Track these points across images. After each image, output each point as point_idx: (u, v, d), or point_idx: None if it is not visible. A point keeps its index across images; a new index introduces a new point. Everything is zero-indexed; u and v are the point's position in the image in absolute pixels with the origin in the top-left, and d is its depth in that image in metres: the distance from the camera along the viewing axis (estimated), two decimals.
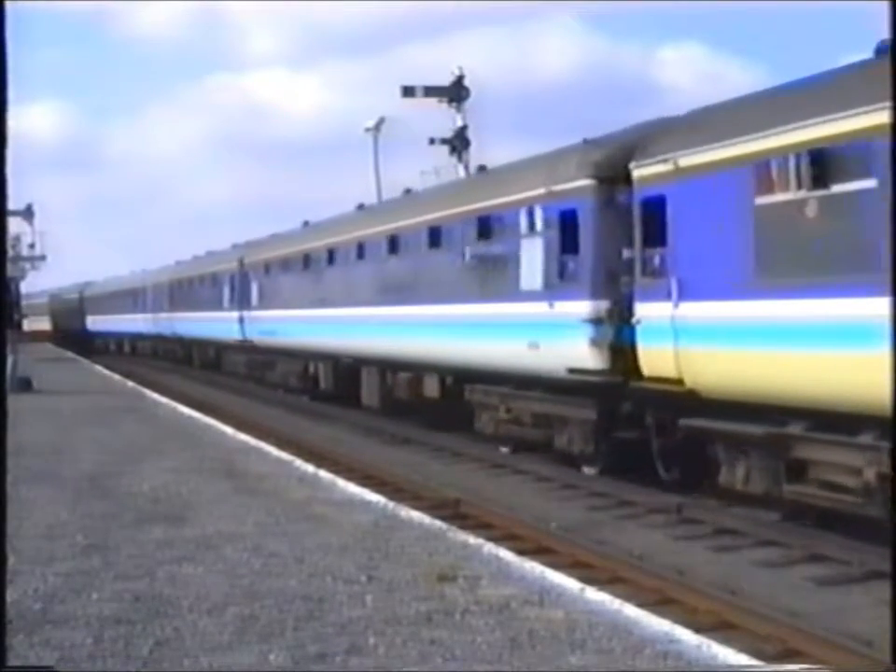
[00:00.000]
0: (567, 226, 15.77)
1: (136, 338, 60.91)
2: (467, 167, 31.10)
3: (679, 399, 13.38)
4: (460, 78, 31.65)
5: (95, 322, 71.22)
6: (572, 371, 15.48)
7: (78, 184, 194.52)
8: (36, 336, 70.28)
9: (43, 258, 41.24)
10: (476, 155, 31.13)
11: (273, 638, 7.75)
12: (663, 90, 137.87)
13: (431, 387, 21.37)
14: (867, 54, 11.07)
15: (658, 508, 13.87)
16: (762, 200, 11.76)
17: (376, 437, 22.71)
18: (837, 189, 10.70)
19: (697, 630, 8.19)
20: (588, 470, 16.28)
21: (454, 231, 20.03)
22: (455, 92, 31.63)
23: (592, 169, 15.34)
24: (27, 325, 53.61)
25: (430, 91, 31.97)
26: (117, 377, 41.23)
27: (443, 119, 32.16)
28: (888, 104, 8.61)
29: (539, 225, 16.68)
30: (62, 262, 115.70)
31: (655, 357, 13.74)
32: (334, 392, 28.00)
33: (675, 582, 10.28)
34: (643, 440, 14.59)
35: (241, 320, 36.17)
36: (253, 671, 7.20)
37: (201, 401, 30.22)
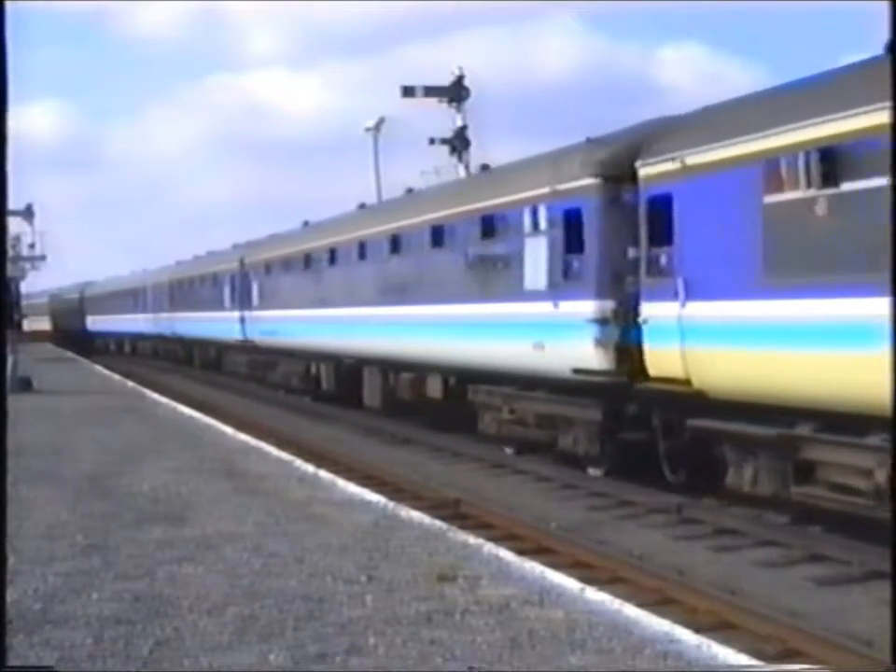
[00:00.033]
0: (572, 225, 15.67)
1: (137, 338, 60.90)
2: (467, 167, 31.08)
3: (686, 400, 13.28)
4: (460, 78, 31.64)
5: (95, 322, 71.23)
6: (577, 371, 15.38)
7: (78, 184, 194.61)
8: (36, 336, 70.30)
9: (43, 258, 41.25)
10: (476, 155, 31.15)
11: (273, 638, 7.75)
12: (662, 90, 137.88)
13: (434, 388, 21.27)
14: (867, 54, 11.05)
15: (658, 508, 13.87)
16: (770, 198, 11.65)
17: (376, 437, 22.71)
18: (848, 187, 10.58)
19: (697, 630, 8.18)
20: (593, 472, 16.16)
21: (457, 230, 19.94)
22: (455, 92, 31.62)
23: (597, 168, 15.22)
24: (27, 325, 53.65)
25: (430, 91, 31.95)
26: (117, 377, 41.23)
27: (443, 118, 32.17)
28: None
29: (543, 224, 16.58)
30: (62, 262, 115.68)
31: (662, 358, 13.65)
32: (336, 393, 27.92)
33: (675, 582, 10.28)
34: (649, 441, 14.49)
35: (242, 320, 36.14)
36: (253, 671, 7.20)
37: (201, 401, 30.21)
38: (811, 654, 8.18)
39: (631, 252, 14.55)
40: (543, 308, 16.27)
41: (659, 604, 9.37)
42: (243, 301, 36.24)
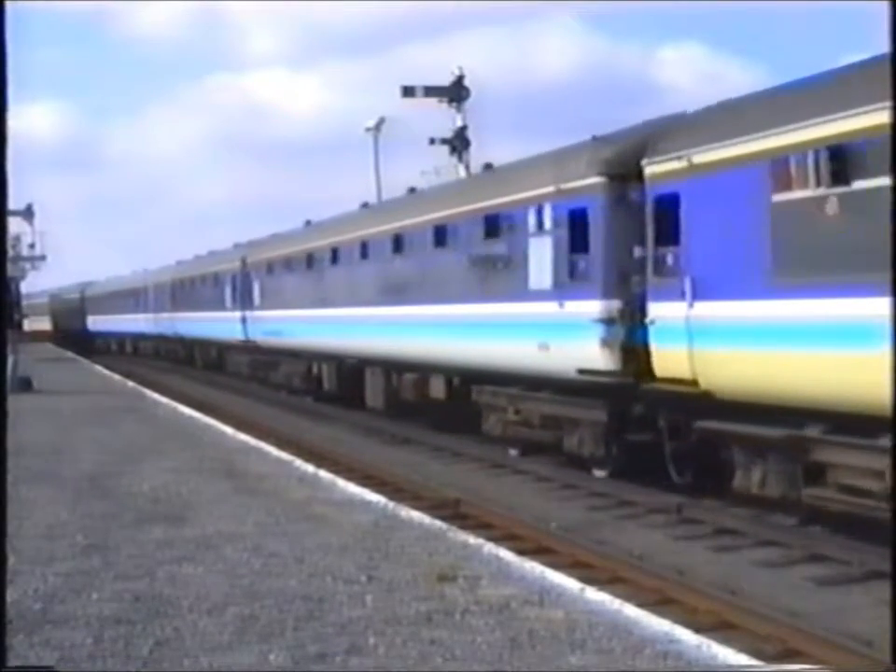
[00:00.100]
0: (577, 224, 15.57)
1: (138, 338, 60.89)
2: (467, 167, 31.10)
3: (693, 401, 13.18)
4: (460, 78, 31.65)
5: (96, 322, 71.23)
6: (583, 371, 15.30)
7: (78, 184, 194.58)
8: (37, 336, 70.31)
9: (43, 258, 41.28)
10: (476, 155, 31.16)
11: (273, 638, 7.75)
12: (662, 89, 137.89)
13: (437, 388, 21.18)
14: (867, 54, 11.02)
15: (658, 508, 13.87)
16: (779, 197, 11.56)
17: (376, 437, 22.71)
18: (859, 185, 10.47)
19: (697, 630, 8.18)
20: (598, 473, 16.05)
21: (460, 229, 19.86)
22: (455, 92, 31.63)
23: (602, 166, 15.12)
24: (27, 325, 53.66)
25: (430, 91, 31.96)
26: (117, 377, 41.23)
27: (443, 118, 32.18)
28: None
29: (548, 223, 16.48)
30: (62, 262, 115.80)
31: (669, 358, 13.56)
32: (338, 393, 27.84)
33: (675, 582, 10.28)
34: (655, 442, 14.39)
35: (243, 320, 36.10)
36: (253, 671, 7.20)
37: (201, 401, 30.22)
38: (811, 654, 8.18)
39: (637, 251, 14.46)
40: (548, 308, 16.18)
41: (659, 604, 9.37)
42: (244, 300, 36.20)
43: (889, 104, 9.67)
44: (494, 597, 8.82)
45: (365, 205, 30.19)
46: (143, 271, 60.68)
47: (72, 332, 76.26)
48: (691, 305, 13.02)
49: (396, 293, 22.83)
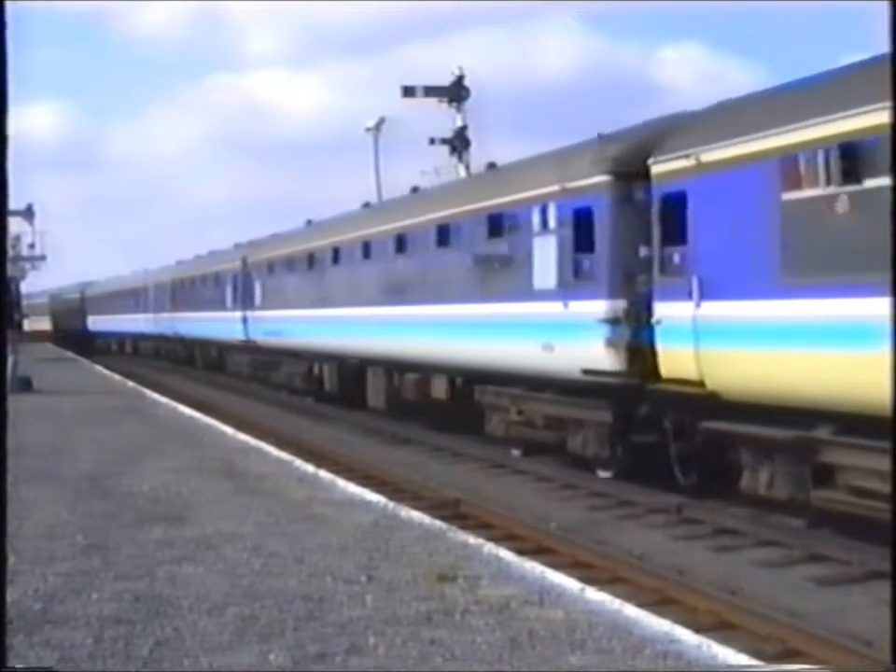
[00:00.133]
0: (582, 223, 15.46)
1: (138, 338, 60.88)
2: (467, 167, 31.12)
3: (700, 402, 13.08)
4: (460, 78, 31.67)
5: (96, 322, 71.22)
6: (587, 372, 15.19)
7: (78, 184, 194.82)
8: (37, 336, 70.33)
9: (43, 258, 41.30)
10: (476, 155, 31.18)
11: (273, 638, 7.75)
12: (662, 89, 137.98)
13: (439, 389, 21.08)
14: (867, 54, 11.00)
15: (658, 508, 13.86)
16: (789, 195, 11.44)
17: (376, 437, 22.70)
18: (870, 183, 10.32)
19: (697, 630, 8.18)
20: (603, 474, 15.95)
21: (463, 229, 19.76)
22: (455, 92, 31.65)
23: (608, 165, 15.02)
24: (27, 325, 53.66)
25: (430, 91, 31.98)
26: (117, 377, 41.22)
27: (443, 118, 32.21)
28: None
29: (552, 223, 16.36)
30: (62, 262, 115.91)
31: (675, 359, 13.46)
32: (339, 393, 27.76)
33: (675, 582, 10.28)
34: (660, 443, 14.28)
35: (244, 320, 36.07)
36: (253, 671, 7.20)
37: (201, 401, 30.21)
38: (811, 654, 8.18)
39: (643, 251, 14.37)
40: (553, 308, 16.07)
41: (659, 604, 9.37)
42: (245, 300, 36.17)
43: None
44: (494, 597, 8.82)
45: (367, 205, 30.16)
46: (143, 271, 60.70)
47: (72, 332, 76.26)
48: (698, 305, 12.91)
49: (398, 293, 22.73)
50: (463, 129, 31.89)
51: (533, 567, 10.07)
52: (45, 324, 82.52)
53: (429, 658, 7.37)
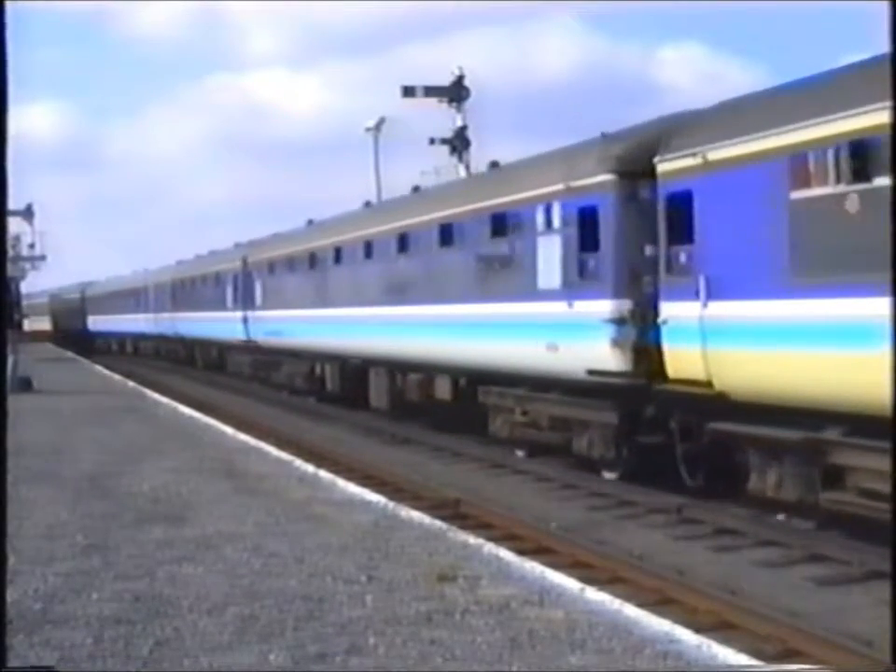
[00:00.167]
0: (587, 222, 15.33)
1: (138, 338, 60.88)
2: (467, 167, 31.12)
3: (707, 402, 12.93)
4: (460, 78, 31.68)
5: (96, 322, 71.22)
6: (592, 372, 15.07)
7: (78, 184, 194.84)
8: (37, 336, 70.34)
9: (43, 258, 41.33)
10: (476, 155, 31.18)
11: (273, 638, 7.75)
12: (662, 89, 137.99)
13: (443, 389, 20.95)
14: (867, 54, 10.95)
15: (658, 508, 13.86)
16: (797, 194, 11.31)
17: (377, 437, 22.70)
18: (881, 182, 10.14)
19: (697, 630, 8.18)
20: (609, 476, 15.83)
21: (466, 228, 19.63)
22: (455, 92, 31.66)
23: (613, 163, 14.88)
24: (27, 325, 53.67)
25: (430, 91, 31.99)
26: (117, 377, 41.23)
27: (443, 118, 32.22)
28: None
29: (556, 222, 16.21)
30: (62, 262, 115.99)
31: (682, 359, 13.34)
32: (341, 394, 27.64)
33: (675, 582, 10.28)
34: (666, 444, 14.15)
35: (245, 320, 36.03)
36: (253, 671, 7.20)
37: (201, 401, 30.21)
38: (811, 654, 8.18)
39: (648, 250, 14.25)
40: (557, 308, 15.94)
41: (659, 604, 9.37)
42: (246, 300, 36.12)
43: None
44: (494, 597, 8.81)
45: (368, 204, 30.11)
46: (143, 270, 60.68)
47: (72, 332, 76.26)
48: (705, 305, 12.78)
49: (400, 293, 22.62)
50: (463, 129, 31.90)
51: (533, 567, 10.07)
52: (45, 324, 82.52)
53: (429, 658, 7.37)
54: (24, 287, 45.43)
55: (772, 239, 11.73)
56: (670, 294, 13.68)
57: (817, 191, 11.10)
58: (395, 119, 38.49)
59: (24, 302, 47.99)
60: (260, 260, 35.09)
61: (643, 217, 14.30)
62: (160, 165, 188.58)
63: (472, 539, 11.32)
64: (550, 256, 16.35)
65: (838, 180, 10.77)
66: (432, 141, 32.19)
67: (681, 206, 13.34)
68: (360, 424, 24.46)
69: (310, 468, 16.71)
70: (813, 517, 12.04)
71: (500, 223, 18.15)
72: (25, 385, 32.03)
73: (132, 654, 7.48)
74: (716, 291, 12.67)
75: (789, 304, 11.54)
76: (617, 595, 9.16)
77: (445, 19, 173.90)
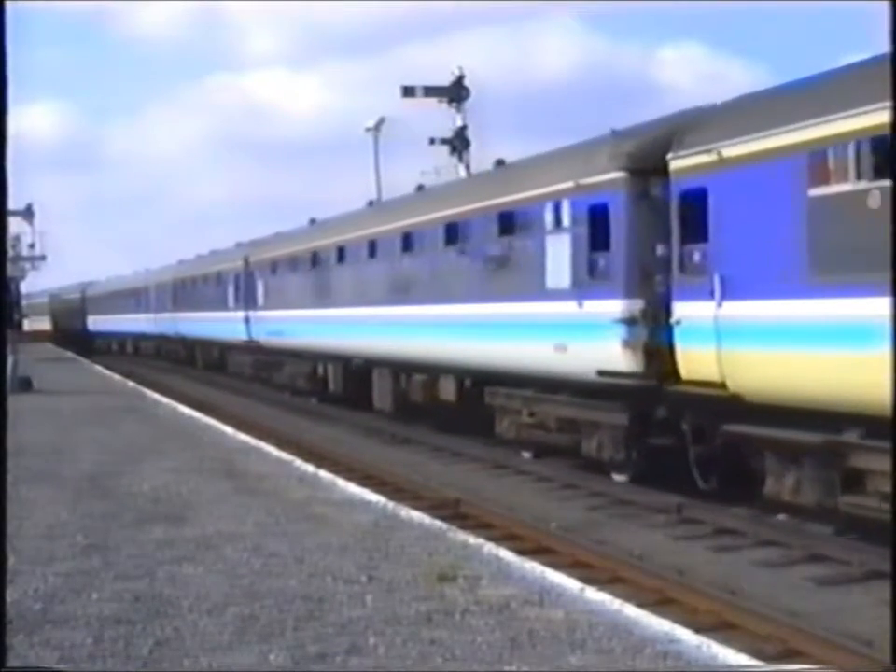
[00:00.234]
0: (598, 221, 15.04)
1: (139, 338, 60.86)
2: (467, 167, 31.13)
3: (721, 404, 12.70)
4: (460, 78, 31.68)
5: (97, 322, 71.20)
6: (603, 373, 14.81)
7: (78, 184, 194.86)
8: (37, 336, 70.35)
9: (43, 258, 41.32)
10: (476, 155, 31.20)
11: (273, 638, 7.76)
12: (662, 89, 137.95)
13: (448, 390, 20.75)
14: (867, 54, 10.90)
15: (658, 508, 13.85)
16: (816, 191, 11.09)
17: (377, 437, 22.69)
18: None
19: (697, 630, 8.18)
20: (618, 478, 15.63)
21: (472, 227, 19.41)
22: (455, 92, 31.66)
23: (625, 160, 14.61)
24: (27, 325, 53.68)
25: (430, 91, 31.99)
26: (117, 377, 41.23)
27: (443, 118, 32.22)
28: None
29: (566, 220, 15.96)
30: (62, 262, 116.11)
31: (696, 360, 13.10)
32: (343, 394, 27.45)
33: (675, 582, 10.28)
34: (678, 447, 13.91)
35: (246, 320, 35.97)
36: (253, 671, 7.20)
37: (201, 401, 30.21)
38: (811, 654, 8.18)
39: (660, 249, 14.02)
40: (566, 308, 15.69)
41: (659, 604, 9.37)
42: (247, 300, 36.05)
43: None
44: (494, 597, 8.82)
45: (371, 203, 30.03)
46: (144, 270, 60.68)
47: (72, 332, 76.26)
48: (720, 304, 12.53)
49: (405, 292, 22.43)
50: (463, 129, 31.90)
51: (533, 567, 10.07)
52: (45, 324, 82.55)
53: (429, 658, 7.38)
54: (24, 287, 45.48)
55: (790, 237, 11.49)
56: (683, 294, 13.44)
57: (837, 188, 10.88)
58: (395, 119, 38.52)
59: (24, 302, 48.00)
60: (262, 260, 35.00)
61: (655, 215, 14.05)
62: (160, 165, 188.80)
63: (472, 539, 11.32)
64: (559, 255, 16.12)
65: (859, 177, 10.55)
66: (432, 141, 32.20)
67: (695, 204, 13.10)
68: (361, 424, 24.44)
69: (310, 468, 16.72)
70: (833, 522, 11.80)
71: (508, 222, 17.93)
72: (25, 384, 32.04)
73: (132, 654, 7.48)
74: (731, 291, 12.43)
75: (807, 304, 11.30)
76: (617, 595, 9.16)
77: (445, 19, 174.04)
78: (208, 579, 9.51)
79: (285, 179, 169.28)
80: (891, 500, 9.52)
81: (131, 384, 37.03)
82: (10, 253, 35.96)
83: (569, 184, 15.79)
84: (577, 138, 17.22)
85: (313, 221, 33.43)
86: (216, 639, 7.76)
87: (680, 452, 13.85)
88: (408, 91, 31.82)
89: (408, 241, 22.62)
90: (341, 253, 27.15)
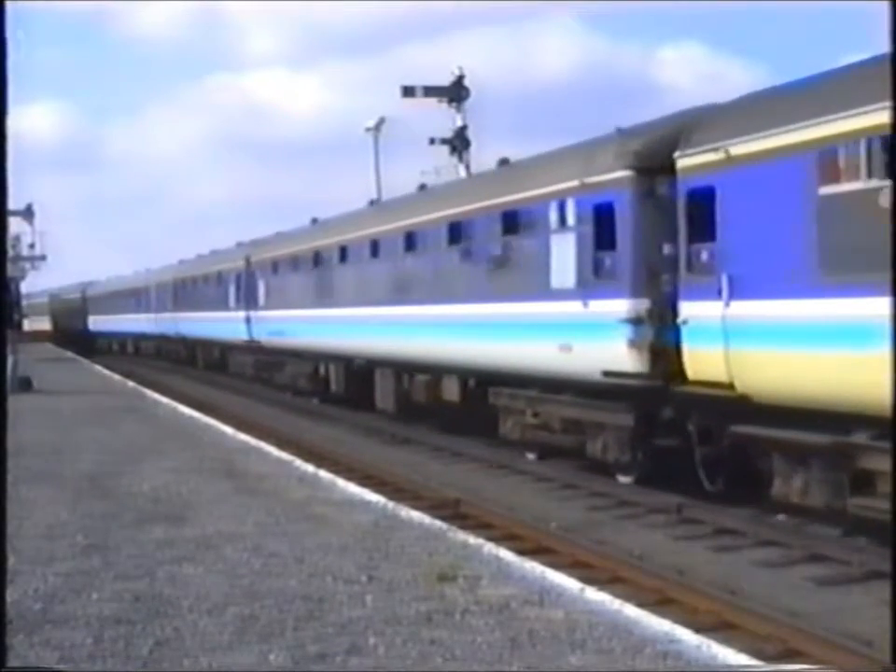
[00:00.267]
0: (603, 220, 14.92)
1: (139, 338, 60.86)
2: (467, 167, 31.13)
3: (728, 405, 12.59)
4: (460, 78, 31.68)
5: (97, 322, 71.21)
6: (608, 373, 14.68)
7: (78, 184, 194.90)
8: (37, 336, 70.36)
9: (43, 258, 41.33)
10: (476, 155, 31.20)
11: (273, 638, 7.76)
12: (662, 90, 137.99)
13: (451, 391, 20.64)
14: (867, 54, 10.87)
15: (658, 508, 13.85)
16: (826, 189, 10.97)
17: (377, 437, 22.69)
18: None
19: (697, 630, 8.18)
20: (623, 479, 15.56)
21: (476, 226, 19.29)
22: (455, 92, 31.66)
23: (631, 159, 14.50)
24: (27, 325, 53.69)
25: (430, 91, 31.99)
26: (117, 377, 41.23)
27: (443, 118, 32.22)
28: None
29: (571, 219, 15.84)
30: (62, 262, 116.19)
31: (703, 360, 12.98)
32: (346, 395, 27.34)
33: (675, 582, 10.28)
34: (684, 448, 13.80)
35: (248, 320, 35.93)
36: (253, 671, 7.20)
37: (201, 401, 30.21)
38: (811, 654, 8.18)
39: (666, 248, 13.89)
40: (571, 307, 15.58)
41: (659, 604, 9.37)
42: (248, 300, 36.01)
43: None
44: (494, 597, 8.82)
45: (373, 202, 29.97)
46: (145, 270, 60.66)
47: (73, 332, 76.25)
48: (728, 304, 12.43)
49: (407, 292, 22.35)
50: (463, 129, 31.90)
51: (533, 567, 10.07)
52: (45, 324, 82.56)
53: (429, 658, 7.38)
54: (24, 287, 45.49)
55: (800, 236, 11.37)
56: (691, 293, 13.33)
57: (847, 186, 10.78)
58: (395, 119, 38.52)
59: (24, 302, 48.01)
60: (264, 260, 34.93)
61: (661, 214, 13.94)
62: (160, 165, 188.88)
63: (472, 539, 11.32)
64: (564, 254, 16.01)
65: (870, 175, 10.46)
66: (432, 141, 32.20)
67: (703, 203, 12.98)
68: (361, 424, 24.43)
69: (310, 468, 16.72)
70: (840, 523, 11.73)
71: (512, 221, 17.83)
72: (25, 385, 32.04)
73: (132, 654, 7.48)
74: (739, 290, 12.32)
75: (817, 304, 11.20)
76: (617, 595, 9.16)
77: (445, 19, 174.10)
78: (208, 579, 9.51)
79: (285, 179, 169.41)
80: (891, 500, 9.51)
81: (131, 384, 37.03)
82: (10, 253, 35.96)
83: (574, 183, 15.67)
84: (577, 138, 17.17)
85: (314, 221, 33.39)
86: (216, 639, 7.76)
87: (686, 453, 13.75)
88: (408, 91, 31.82)
89: (411, 240, 22.50)
90: (343, 253, 27.03)
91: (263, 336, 34.25)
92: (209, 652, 7.46)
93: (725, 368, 12.55)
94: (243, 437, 21.00)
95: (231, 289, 38.51)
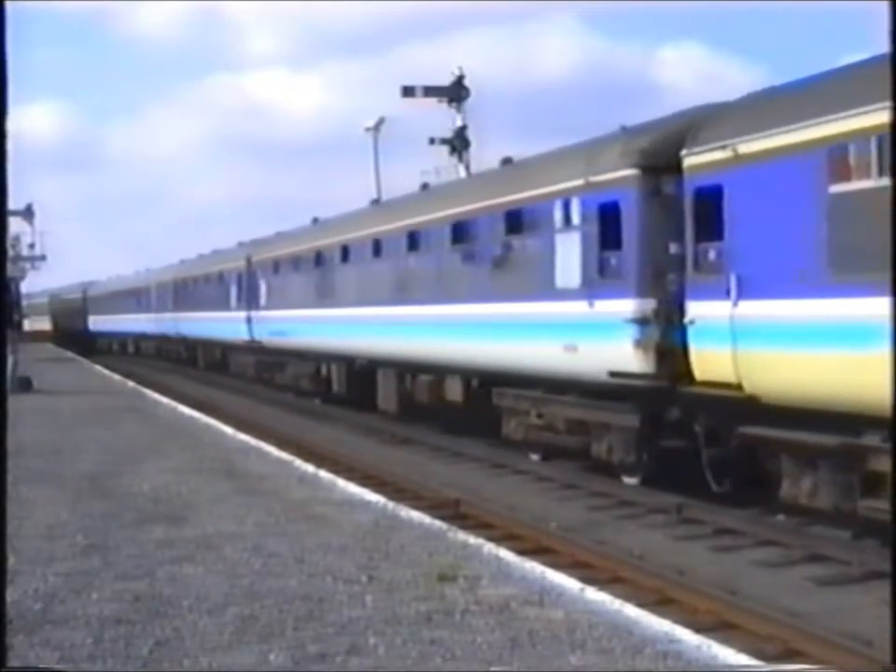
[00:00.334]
0: (609, 219, 14.80)
1: (140, 338, 60.84)
2: (467, 167, 31.14)
3: (736, 406, 12.46)
4: (460, 78, 31.71)
5: (97, 322, 71.18)
6: (614, 374, 14.58)
7: (78, 184, 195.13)
8: (37, 336, 70.36)
9: (43, 258, 41.40)
10: (476, 155, 31.21)
11: (273, 638, 7.75)
12: (662, 90, 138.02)
13: (454, 391, 20.56)
14: (867, 54, 10.85)
15: (658, 508, 13.85)
16: (837, 188, 10.85)
17: (377, 437, 22.68)
18: None
19: (697, 630, 8.18)
20: (629, 481, 15.44)
21: (480, 225, 19.19)
22: (455, 92, 31.68)
23: (637, 157, 14.38)
24: (27, 325, 53.71)
25: (430, 91, 32.02)
26: (117, 377, 41.23)
27: (443, 118, 32.24)
28: None
29: (576, 218, 15.66)
30: (62, 262, 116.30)
31: (710, 360, 12.86)
32: (348, 395, 27.23)
33: (675, 582, 10.28)
34: (690, 449, 13.64)
35: (249, 320, 35.89)
36: (253, 671, 7.20)
37: (201, 401, 30.21)
38: (811, 654, 8.19)
39: (673, 248, 13.79)
40: (576, 307, 15.45)
41: (659, 604, 9.37)
42: (249, 300, 35.95)
43: None
44: (494, 597, 8.82)
45: (375, 202, 29.94)
46: (145, 270, 60.64)
47: (73, 332, 76.23)
48: (736, 304, 12.30)
49: (410, 292, 22.27)
50: (463, 129, 31.92)
51: (533, 567, 10.07)
52: (45, 324, 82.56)
53: (429, 658, 7.37)
54: (24, 287, 45.50)
55: (809, 235, 11.26)
56: (698, 293, 13.20)
57: (858, 185, 10.67)
58: (395, 119, 38.50)
59: (24, 302, 48.02)
60: (265, 259, 34.85)
61: (667, 213, 13.84)
62: (160, 165, 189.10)
63: (472, 539, 11.32)
64: (568, 253, 15.89)
65: (881, 173, 10.34)
66: (432, 141, 32.22)
67: (710, 201, 12.86)
68: (362, 424, 24.42)
69: (310, 468, 16.72)
70: (850, 526, 11.62)
71: (516, 220, 17.74)
72: (25, 385, 32.03)
73: (132, 654, 7.48)
74: (748, 290, 12.20)
75: (827, 303, 11.09)
76: (617, 595, 9.17)
77: (445, 19, 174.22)
78: (208, 579, 9.51)
79: (285, 179, 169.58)
80: (891, 500, 9.51)
81: (131, 384, 37.03)
82: (10, 253, 35.99)
83: (579, 181, 15.58)
84: (577, 138, 17.14)
85: (316, 220, 33.36)
86: (216, 639, 7.76)
87: (692, 454, 13.62)
88: (408, 91, 31.84)
89: (413, 240, 22.41)
90: (345, 252, 26.92)
91: (264, 336, 34.17)
92: (209, 652, 7.46)
93: (733, 368, 12.43)
94: (243, 437, 21.00)
95: (233, 289, 38.48)
